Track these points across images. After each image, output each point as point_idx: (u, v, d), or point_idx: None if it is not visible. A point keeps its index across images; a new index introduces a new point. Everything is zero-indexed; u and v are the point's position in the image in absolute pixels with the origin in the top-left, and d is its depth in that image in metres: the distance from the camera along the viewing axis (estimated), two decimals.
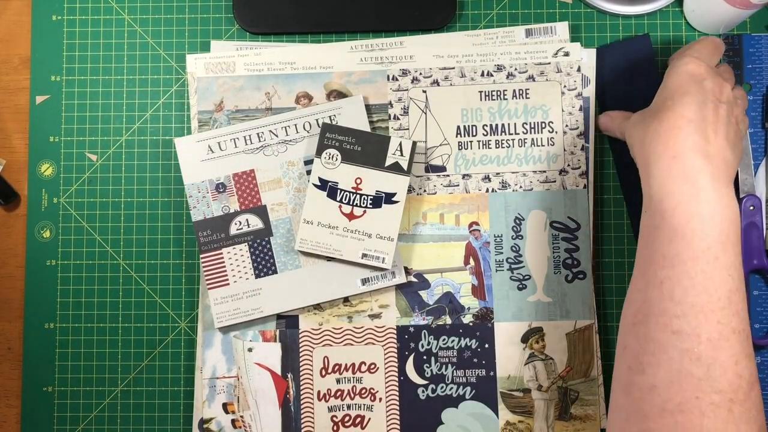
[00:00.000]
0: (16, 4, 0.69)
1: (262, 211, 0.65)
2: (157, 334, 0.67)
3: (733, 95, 0.56)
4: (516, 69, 0.66)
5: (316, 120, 0.66)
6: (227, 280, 0.65)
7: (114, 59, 0.69)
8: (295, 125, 0.66)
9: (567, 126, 0.66)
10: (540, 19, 0.68)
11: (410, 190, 0.66)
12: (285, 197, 0.66)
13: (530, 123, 0.66)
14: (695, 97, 0.52)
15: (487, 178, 0.66)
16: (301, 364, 0.65)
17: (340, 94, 0.67)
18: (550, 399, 0.64)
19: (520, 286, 0.65)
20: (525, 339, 0.65)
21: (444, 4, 0.67)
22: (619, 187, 0.66)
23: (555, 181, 0.65)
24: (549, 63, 0.66)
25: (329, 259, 0.65)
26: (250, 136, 0.66)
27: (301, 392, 0.65)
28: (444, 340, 0.65)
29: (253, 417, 0.65)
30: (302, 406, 0.65)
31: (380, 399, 0.65)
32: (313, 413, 0.65)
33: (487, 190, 0.66)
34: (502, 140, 0.66)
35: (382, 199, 0.64)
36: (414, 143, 0.64)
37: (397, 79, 0.67)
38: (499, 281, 0.65)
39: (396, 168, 0.64)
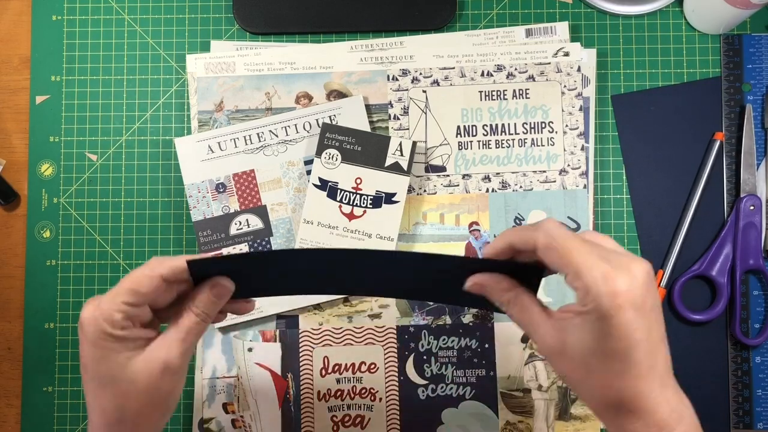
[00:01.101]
0: (16, 4, 0.69)
1: (262, 211, 0.65)
2: None
3: None
4: (516, 69, 0.66)
5: (316, 120, 0.66)
6: None
7: (114, 59, 0.69)
8: (295, 125, 0.66)
9: (567, 126, 0.66)
10: (540, 19, 0.68)
11: (410, 190, 0.66)
12: (285, 197, 0.66)
13: (530, 123, 0.66)
14: None
15: (487, 178, 0.66)
16: (301, 364, 0.65)
17: (340, 94, 0.67)
18: (550, 399, 0.64)
19: None
20: (525, 339, 0.65)
21: (444, 4, 0.67)
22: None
23: (555, 181, 0.65)
24: (549, 63, 0.66)
25: None
26: (250, 136, 0.66)
27: (301, 392, 0.65)
28: (444, 340, 0.65)
29: (253, 417, 0.65)
30: (302, 406, 0.65)
31: (380, 399, 0.65)
32: (313, 413, 0.65)
33: (487, 190, 0.66)
34: (502, 140, 0.66)
35: (382, 199, 0.64)
36: (414, 143, 0.64)
37: (397, 79, 0.67)
38: None
39: (396, 168, 0.64)
